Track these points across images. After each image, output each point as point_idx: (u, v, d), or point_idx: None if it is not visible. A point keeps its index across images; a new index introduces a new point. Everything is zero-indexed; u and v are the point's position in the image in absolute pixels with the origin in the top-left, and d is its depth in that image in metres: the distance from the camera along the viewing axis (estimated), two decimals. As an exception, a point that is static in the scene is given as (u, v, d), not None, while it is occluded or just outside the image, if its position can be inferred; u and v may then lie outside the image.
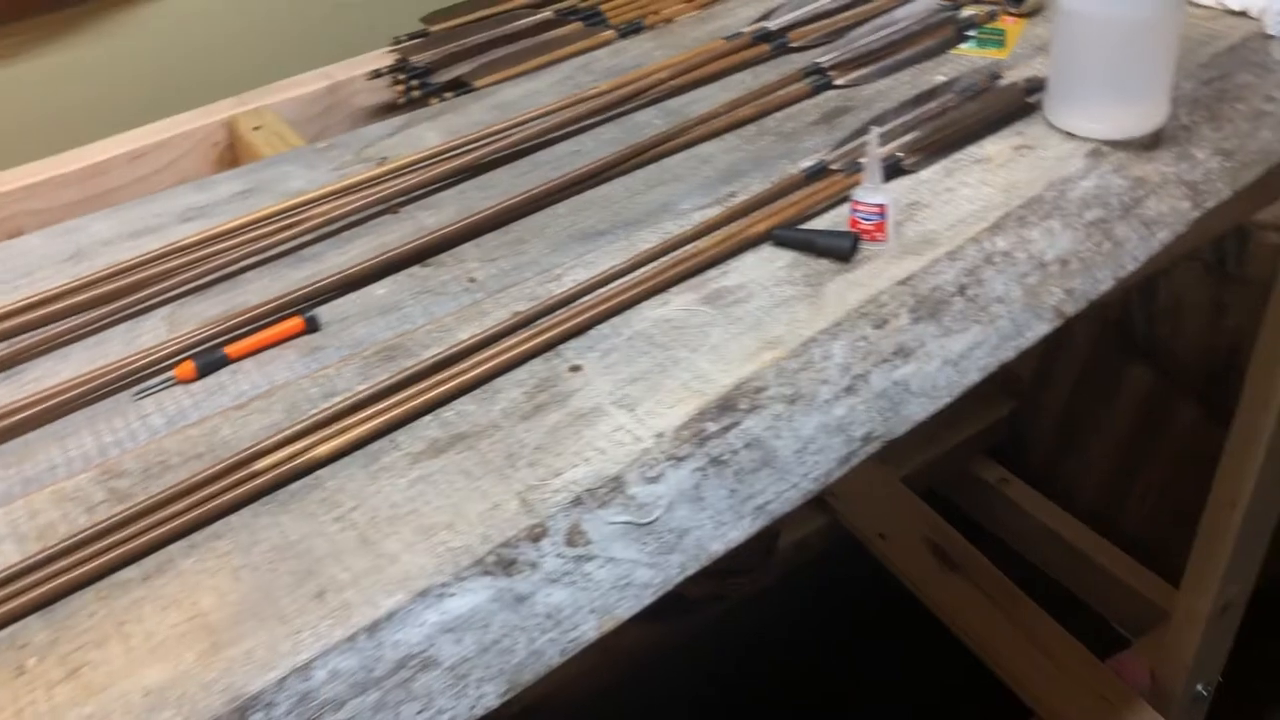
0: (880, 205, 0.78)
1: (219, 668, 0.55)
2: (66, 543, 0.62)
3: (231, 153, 1.15)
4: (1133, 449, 1.69)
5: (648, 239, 0.83)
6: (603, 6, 1.23)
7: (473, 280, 0.81)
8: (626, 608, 0.62)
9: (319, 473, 0.66)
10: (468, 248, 0.85)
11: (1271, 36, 1.01)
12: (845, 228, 0.80)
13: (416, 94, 1.12)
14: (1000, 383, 1.82)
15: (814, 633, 1.66)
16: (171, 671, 0.55)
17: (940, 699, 1.57)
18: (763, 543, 1.54)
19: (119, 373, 0.73)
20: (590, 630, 0.61)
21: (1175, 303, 1.59)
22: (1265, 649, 1.53)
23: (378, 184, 0.90)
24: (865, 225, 0.79)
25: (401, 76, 1.13)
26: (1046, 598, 1.54)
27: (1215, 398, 1.54)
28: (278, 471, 0.65)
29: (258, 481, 0.65)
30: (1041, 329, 0.78)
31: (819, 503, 1.65)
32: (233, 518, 0.64)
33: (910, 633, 1.55)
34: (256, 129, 1.10)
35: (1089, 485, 1.75)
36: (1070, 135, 0.89)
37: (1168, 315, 1.60)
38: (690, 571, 0.64)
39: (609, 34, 1.18)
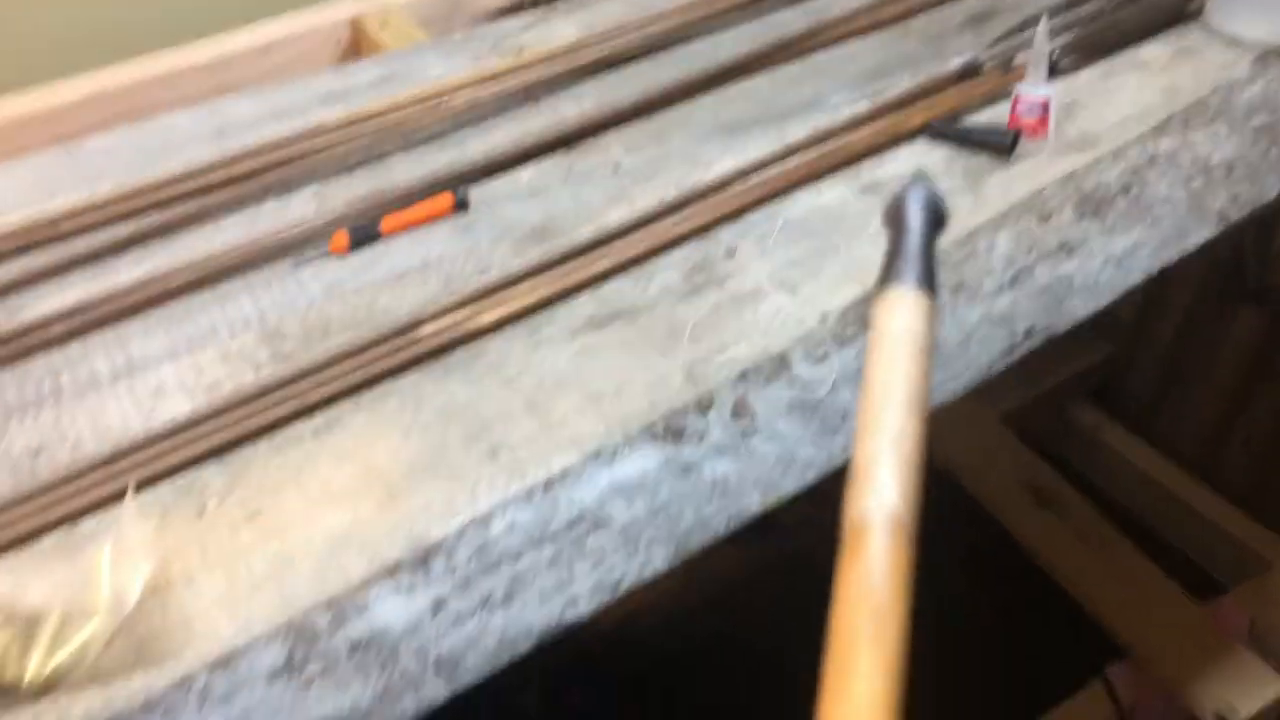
0: (1044, 100, 0.76)
1: (398, 516, 0.56)
2: (236, 397, 0.63)
3: (355, 50, 1.14)
4: (1238, 395, 1.65)
5: (797, 131, 0.81)
6: (728, -86, 1.20)
7: (618, 166, 0.80)
8: (790, 485, 0.62)
9: (481, 342, 0.66)
10: (611, 136, 0.84)
11: None
12: (1002, 125, 0.78)
13: (542, -5, 1.10)
14: (1100, 325, 1.78)
15: (904, 565, 1.65)
16: (351, 518, 0.56)
17: (1033, 636, 1.56)
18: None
19: (274, 242, 0.74)
20: (754, 503, 0.60)
21: (1293, 245, 1.54)
22: (1368, 601, 1.49)
23: (517, 73, 0.90)
24: (1027, 120, 0.77)
25: (527, -23, 1.12)
26: (1141, 543, 1.51)
27: (1331, 343, 1.50)
28: (441, 339, 0.65)
29: (422, 347, 0.65)
30: (1205, 233, 0.76)
31: (913, 437, 1.63)
32: (398, 381, 0.64)
33: (1003, 570, 1.54)
34: (383, 26, 1.10)
35: (1190, 432, 1.72)
36: (1235, 40, 0.86)
37: (1284, 258, 1.56)
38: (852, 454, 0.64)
39: (736, -59, 1.16)
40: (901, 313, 0.29)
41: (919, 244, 0.31)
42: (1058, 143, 0.77)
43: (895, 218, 0.32)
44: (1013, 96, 0.77)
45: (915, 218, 0.31)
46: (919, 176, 0.33)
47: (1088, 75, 0.85)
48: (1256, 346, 1.61)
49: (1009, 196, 0.73)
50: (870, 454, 0.27)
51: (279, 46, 1.11)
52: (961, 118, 0.81)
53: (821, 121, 0.81)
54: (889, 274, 0.30)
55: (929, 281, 0.30)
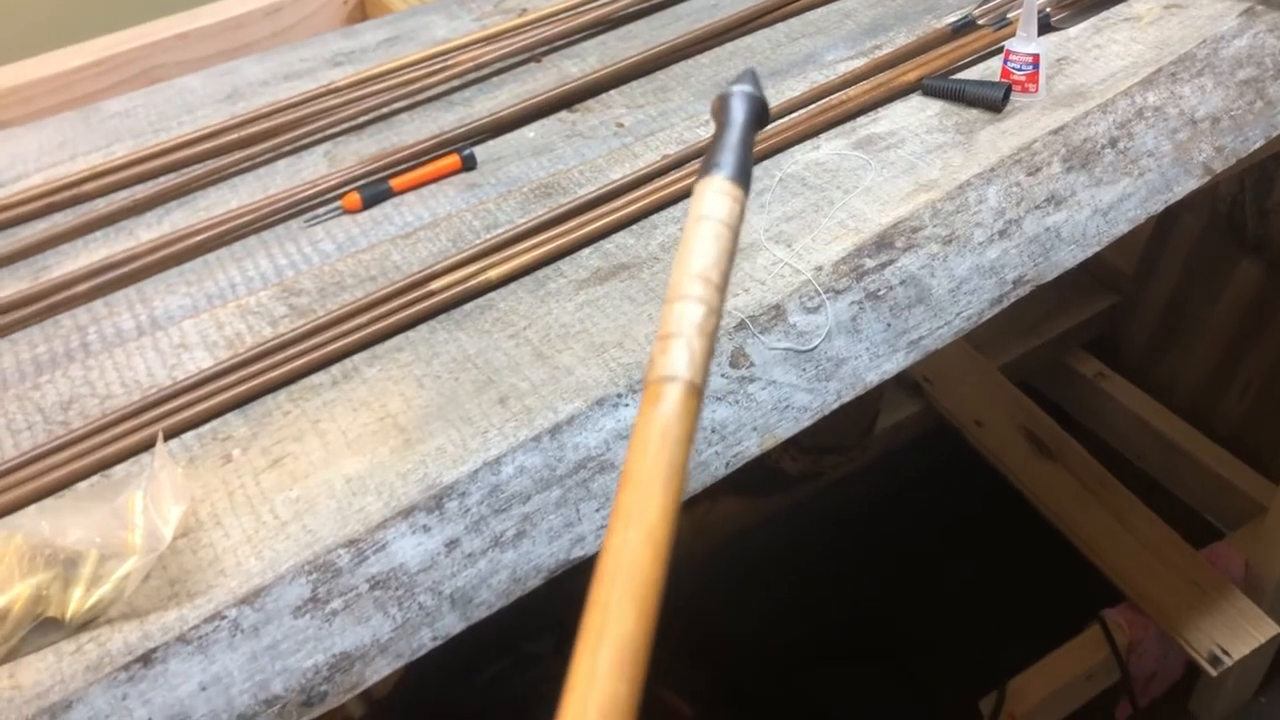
0: (1034, 55, 0.78)
1: (413, 460, 0.59)
2: (256, 350, 0.66)
3: (361, 10, 1.17)
4: (1236, 345, 1.67)
5: (794, 87, 0.83)
6: None
7: (620, 125, 0.83)
8: (786, 429, 0.65)
9: (490, 295, 0.69)
10: (613, 95, 0.86)
11: None
12: (995, 79, 0.80)
13: (545, -46, 1.12)
14: (1100, 276, 1.80)
15: (906, 514, 1.68)
16: (369, 463, 0.59)
17: (1032, 582, 1.59)
18: (861, 422, 1.56)
19: (288, 201, 0.76)
20: (752, 447, 0.63)
21: (1291, 196, 1.55)
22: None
23: (520, 33, 0.92)
24: (1018, 76, 0.78)
25: (530, -63, 1.14)
26: (1139, 490, 1.54)
27: (1327, 293, 1.52)
28: (452, 292, 0.68)
29: (433, 300, 0.67)
30: (1190, 184, 0.78)
31: (915, 388, 1.66)
32: (411, 333, 0.67)
33: (1003, 517, 1.57)
34: (388, -14, 1.12)
35: (1188, 381, 1.74)
36: (1223, -5, 0.87)
37: (1282, 209, 1.57)
38: (845, 399, 0.66)
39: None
40: (713, 199, 0.33)
41: (738, 138, 0.34)
42: (1048, 97, 0.79)
43: (720, 113, 0.35)
44: (1004, 52, 0.79)
45: (738, 114, 0.34)
46: (746, 75, 0.36)
47: (1079, 29, 0.86)
48: (1254, 296, 1.63)
49: (999, 150, 0.75)
50: (674, 319, 0.31)
51: (287, 7, 1.13)
52: (955, 73, 0.83)
53: (818, 78, 0.83)
54: (708, 164, 0.33)
55: (743, 173, 0.33)
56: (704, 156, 0.34)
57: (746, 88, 0.35)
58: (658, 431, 0.29)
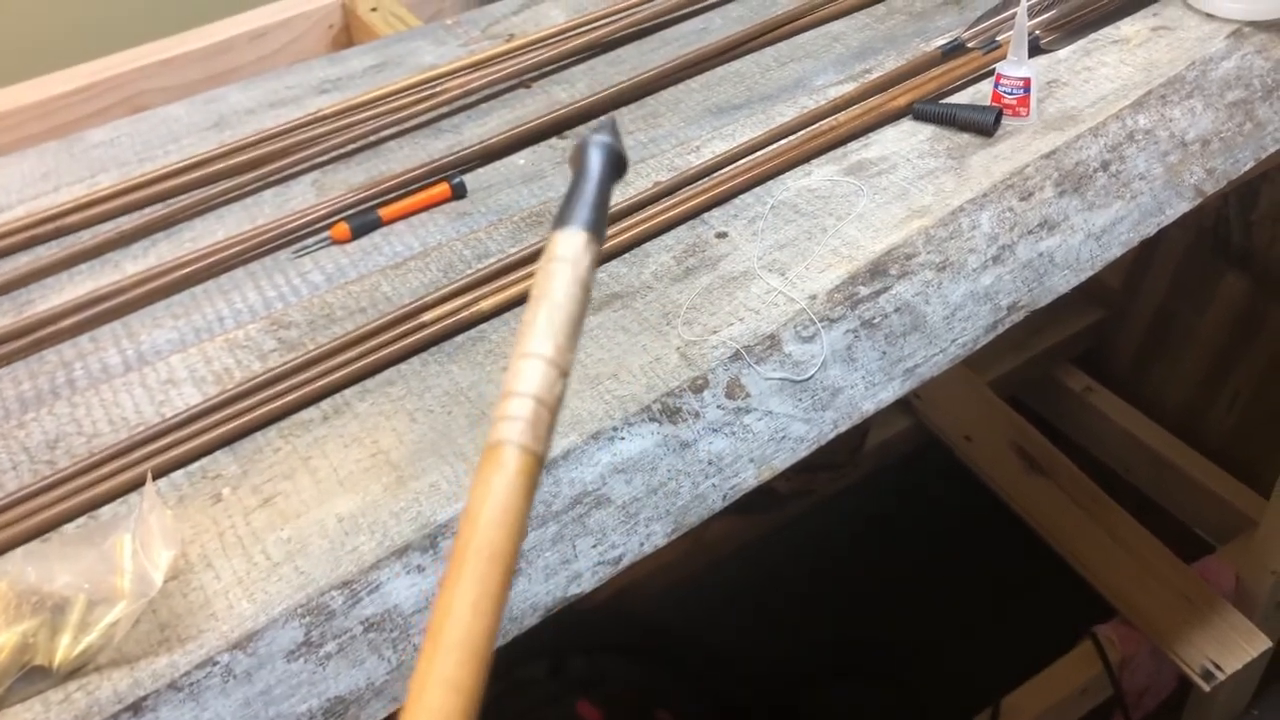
0: (1025, 79, 0.78)
1: (406, 498, 0.58)
2: (245, 386, 0.65)
3: (347, 34, 1.16)
4: (1223, 357, 1.68)
5: (784, 113, 0.83)
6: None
7: (611, 152, 0.82)
8: (783, 459, 0.64)
9: (482, 327, 0.68)
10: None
11: None
12: (985, 103, 0.80)
13: (531, -23, 1.11)
14: (1088, 290, 1.81)
15: (898, 530, 1.68)
16: (361, 501, 0.58)
17: (1023, 598, 1.59)
18: (852, 439, 1.56)
19: (276, 232, 0.76)
20: (750, 478, 0.63)
21: (1276, 209, 1.56)
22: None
23: (509, 59, 0.91)
24: (1009, 99, 0.78)
25: (516, -41, 1.13)
26: (1129, 505, 1.54)
27: (1313, 306, 1.52)
28: (444, 324, 0.67)
29: (425, 333, 0.67)
30: (1182, 207, 0.78)
31: (904, 404, 1.66)
32: (403, 366, 0.66)
33: (994, 533, 1.57)
34: (374, 10, 1.11)
35: (1177, 394, 1.74)
36: (1210, 16, 0.88)
37: (1267, 222, 1.58)
38: (842, 429, 0.66)
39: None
40: (565, 252, 0.32)
41: (594, 191, 0.33)
42: (1039, 121, 0.79)
43: (578, 162, 0.34)
44: (995, 75, 0.79)
45: (595, 165, 0.34)
46: (605, 124, 0.35)
47: (1068, 52, 0.86)
48: (1240, 308, 1.63)
49: (991, 175, 0.75)
50: (517, 377, 0.30)
51: (273, 31, 1.13)
52: (945, 97, 0.83)
53: (808, 103, 0.83)
54: (563, 216, 0.33)
55: (597, 226, 0.33)
56: (560, 208, 0.33)
57: (604, 138, 0.34)
58: (498, 503, 0.29)
